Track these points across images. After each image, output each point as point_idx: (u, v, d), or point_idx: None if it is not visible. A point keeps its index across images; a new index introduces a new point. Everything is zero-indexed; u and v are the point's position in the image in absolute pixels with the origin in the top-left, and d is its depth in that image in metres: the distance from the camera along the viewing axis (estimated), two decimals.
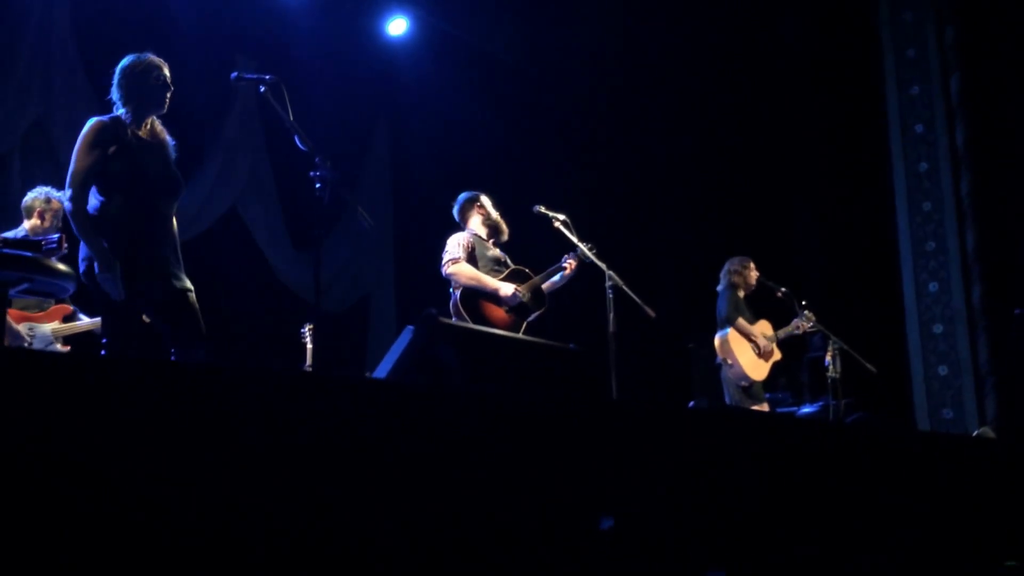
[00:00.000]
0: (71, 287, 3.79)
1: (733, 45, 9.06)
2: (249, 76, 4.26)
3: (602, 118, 9.55)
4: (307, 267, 7.84)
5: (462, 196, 5.52)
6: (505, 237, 5.45)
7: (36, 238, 3.74)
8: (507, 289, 5.09)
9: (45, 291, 3.84)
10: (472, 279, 5.09)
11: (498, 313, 5.11)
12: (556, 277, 5.34)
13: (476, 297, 5.07)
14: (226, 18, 7.24)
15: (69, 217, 3.70)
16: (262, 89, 4.13)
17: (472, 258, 5.19)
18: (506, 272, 5.26)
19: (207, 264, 6.34)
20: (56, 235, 3.63)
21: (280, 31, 7.62)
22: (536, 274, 5.32)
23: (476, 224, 5.41)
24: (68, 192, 3.70)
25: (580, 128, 9.55)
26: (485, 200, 5.47)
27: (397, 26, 8.32)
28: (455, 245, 5.20)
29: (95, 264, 3.62)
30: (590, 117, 9.54)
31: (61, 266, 3.68)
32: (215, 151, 7.50)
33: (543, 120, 9.47)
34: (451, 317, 5.11)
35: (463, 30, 8.85)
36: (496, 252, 5.36)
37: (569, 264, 5.27)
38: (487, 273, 5.19)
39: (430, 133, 8.83)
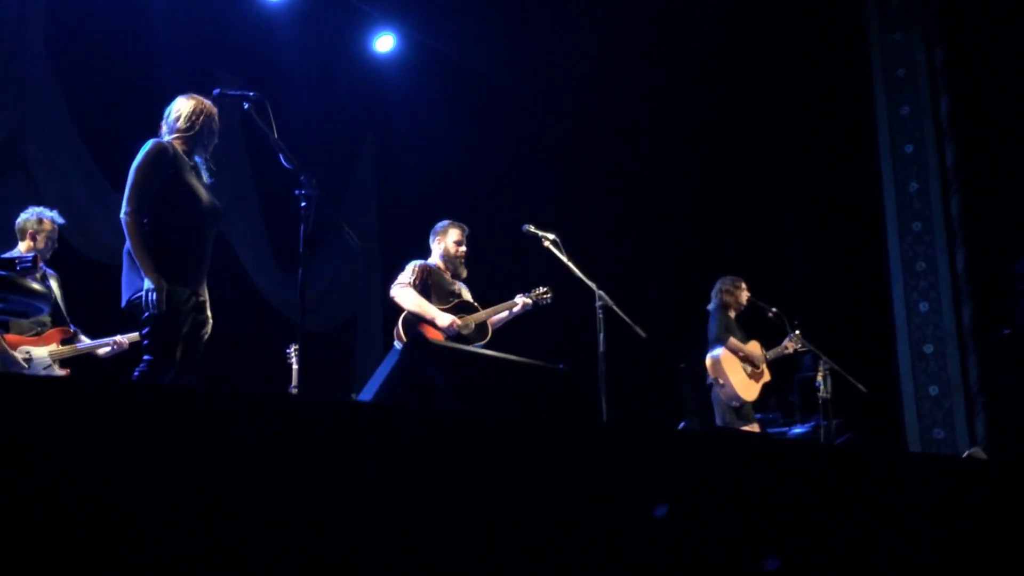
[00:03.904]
0: (45, 308, 3.75)
1: (723, 64, 9.07)
2: (233, 93, 4.24)
3: (591, 136, 9.53)
4: (292, 286, 7.75)
5: (438, 224, 5.63)
6: (462, 275, 5.54)
7: (10, 256, 3.67)
8: (444, 320, 5.20)
9: (19, 311, 3.77)
10: (415, 305, 5.25)
11: (438, 338, 5.18)
12: (504, 314, 5.52)
13: (417, 323, 5.24)
14: (209, 34, 7.17)
15: (126, 235, 3.82)
16: (246, 106, 4.13)
17: (426, 285, 5.35)
18: (453, 303, 5.38)
19: None
20: (31, 254, 3.58)
21: (265, 47, 7.56)
22: (485, 307, 5.46)
23: (436, 256, 5.53)
24: (126, 208, 3.82)
25: (568, 146, 9.53)
26: (451, 235, 5.52)
27: (384, 43, 8.29)
28: (409, 271, 5.37)
29: (146, 279, 3.75)
30: (578, 135, 9.52)
31: (36, 285, 3.62)
32: None
33: (531, 137, 9.45)
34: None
35: (450, 47, 8.82)
36: (453, 286, 5.47)
37: (520, 303, 5.49)
38: (440, 303, 5.32)
39: (417, 150, 8.79)
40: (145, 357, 3.88)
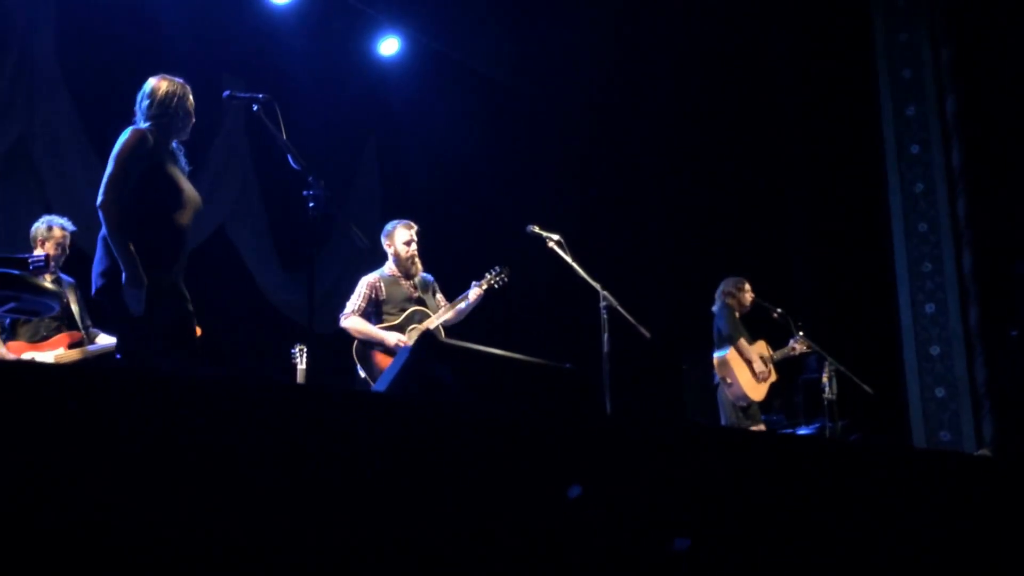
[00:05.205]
0: (56, 306, 3.73)
1: (727, 65, 9.07)
2: (242, 95, 4.26)
3: (594, 136, 9.53)
4: (296, 288, 7.77)
5: (387, 225, 5.67)
6: (415, 274, 5.54)
7: (22, 256, 3.68)
8: (392, 339, 5.29)
9: (31, 310, 3.77)
10: (361, 333, 5.36)
11: (388, 361, 5.21)
12: (462, 305, 5.51)
13: (367, 348, 5.37)
14: (215, 37, 7.18)
15: (103, 224, 3.68)
16: (255, 108, 4.12)
17: (377, 303, 5.43)
18: (407, 313, 5.42)
19: (193, 286, 6.27)
20: (43, 254, 3.57)
21: (271, 50, 7.57)
22: (444, 310, 5.50)
23: (389, 260, 5.56)
24: (103, 197, 3.69)
25: (572, 146, 9.53)
26: (399, 236, 5.56)
27: (388, 46, 8.29)
28: (356, 295, 5.47)
29: (123, 276, 3.61)
30: (582, 136, 9.52)
31: (48, 284, 3.62)
32: (203, 171, 7.41)
33: (535, 139, 9.45)
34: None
35: (455, 50, 8.82)
36: (408, 289, 5.50)
37: (473, 295, 5.46)
38: (394, 313, 5.39)
39: (420, 152, 8.79)
40: (116, 356, 3.81)
